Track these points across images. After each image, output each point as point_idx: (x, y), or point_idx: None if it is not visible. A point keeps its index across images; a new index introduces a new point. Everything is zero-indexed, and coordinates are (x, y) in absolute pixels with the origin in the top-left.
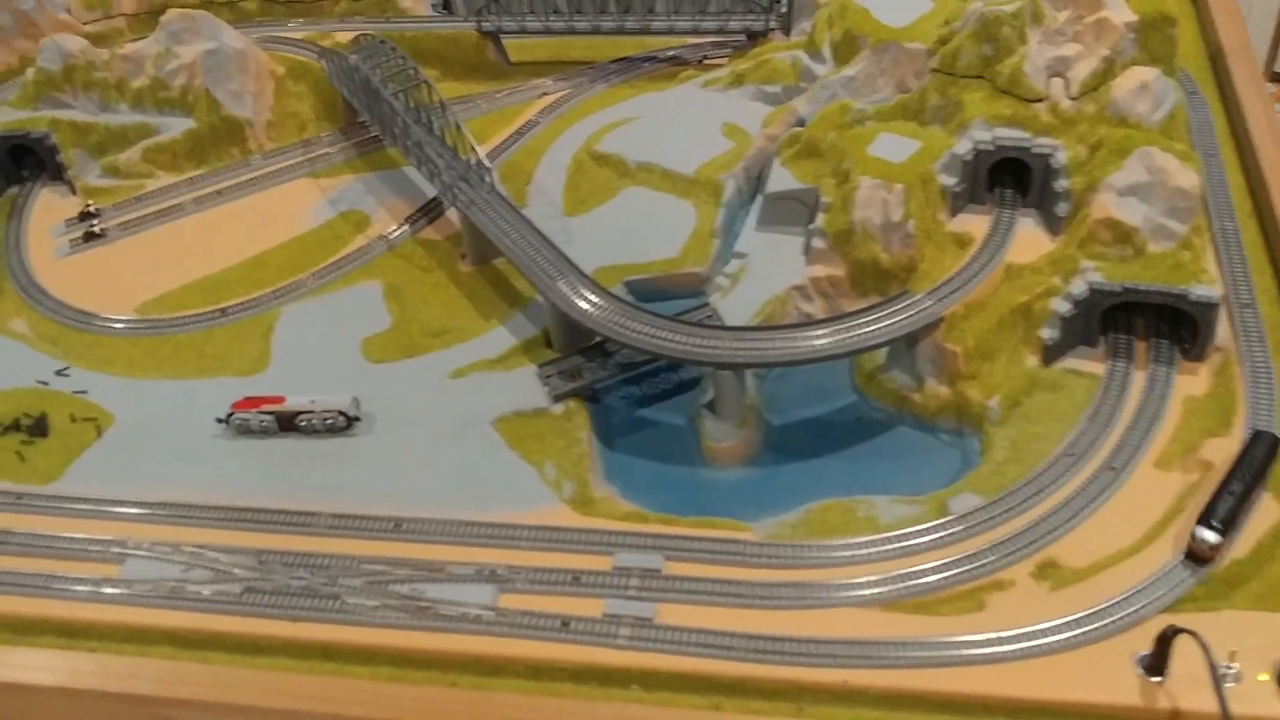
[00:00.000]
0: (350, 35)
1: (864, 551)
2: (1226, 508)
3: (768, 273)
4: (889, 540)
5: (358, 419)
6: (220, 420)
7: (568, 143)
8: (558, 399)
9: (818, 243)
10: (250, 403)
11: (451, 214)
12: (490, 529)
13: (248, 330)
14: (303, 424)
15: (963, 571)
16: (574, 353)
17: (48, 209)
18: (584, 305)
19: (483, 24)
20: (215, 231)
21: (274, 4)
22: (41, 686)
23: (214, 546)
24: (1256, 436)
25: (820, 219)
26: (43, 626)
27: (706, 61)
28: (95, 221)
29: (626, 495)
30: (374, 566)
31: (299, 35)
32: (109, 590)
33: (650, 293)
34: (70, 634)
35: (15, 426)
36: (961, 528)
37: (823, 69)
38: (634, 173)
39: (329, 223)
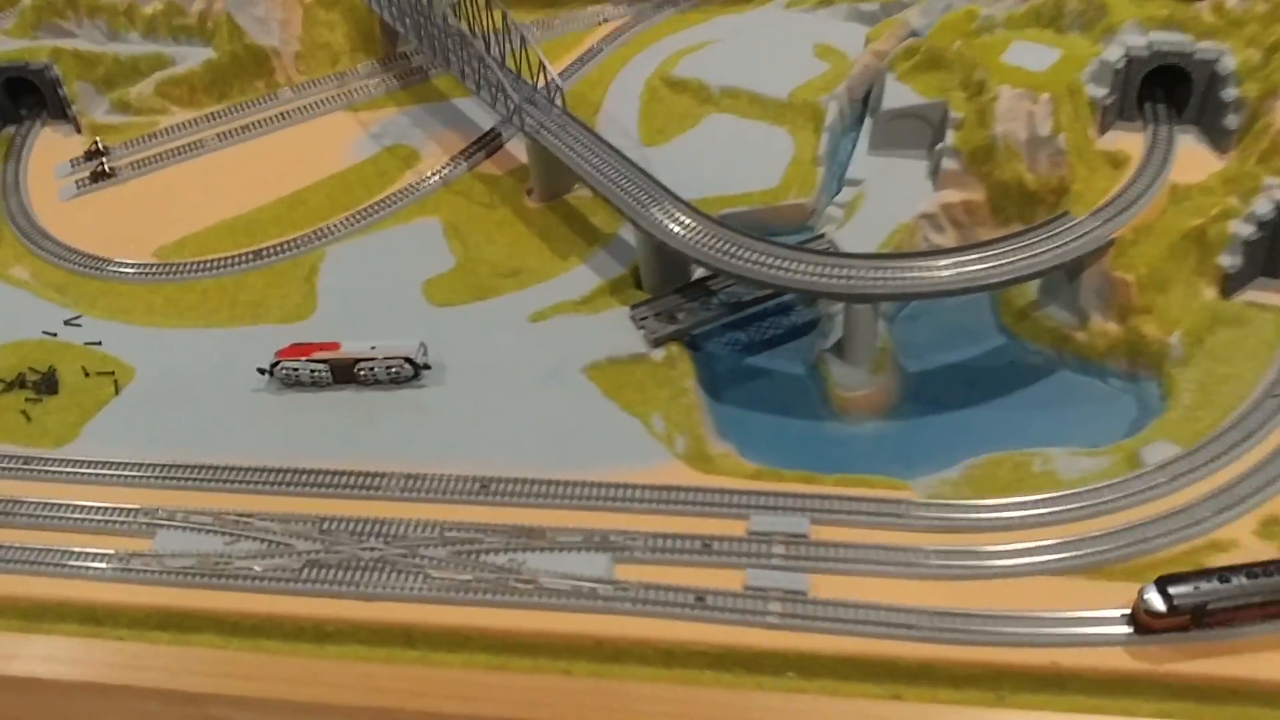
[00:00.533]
0: None
1: (1048, 510)
2: None
3: (888, 201)
4: (1076, 497)
5: (426, 367)
6: (263, 371)
7: (637, 70)
8: (657, 343)
9: (949, 164)
10: (298, 350)
11: (512, 147)
12: (596, 490)
13: (287, 274)
14: (362, 374)
15: (1175, 532)
16: (670, 292)
17: (49, 149)
18: (685, 234)
19: None
20: (242, 170)
21: None
22: (62, 681)
23: (264, 515)
24: None
25: (951, 137)
26: (61, 611)
27: None
28: (104, 160)
29: (745, 452)
30: (461, 534)
31: None
32: (138, 567)
33: (749, 228)
34: (94, 619)
35: (20, 383)
36: (1165, 480)
37: None
38: (717, 98)
39: (373, 158)
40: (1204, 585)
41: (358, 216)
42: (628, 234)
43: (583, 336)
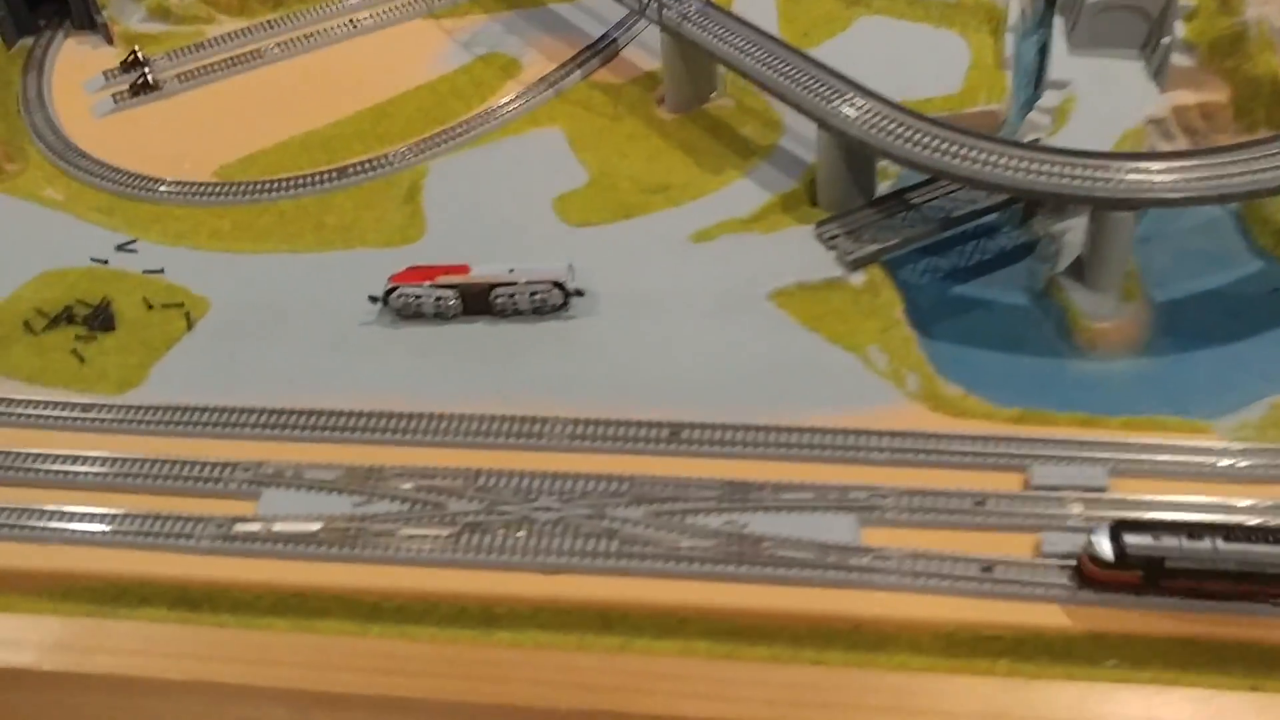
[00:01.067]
0: None
1: None
2: None
3: (1105, 105)
4: None
5: (579, 293)
6: (375, 299)
7: None
8: (855, 265)
9: (1180, 60)
10: (418, 273)
11: (630, 54)
12: (822, 437)
13: (380, 193)
14: (500, 302)
15: None
16: (861, 207)
17: (75, 62)
18: (892, 133)
19: None
20: (311, 82)
21: None
22: (155, 679)
23: (398, 469)
24: None
25: (1181, 28)
26: (144, 591)
27: None
28: (146, 71)
29: (976, 393)
30: (657, 490)
31: None
32: (242, 534)
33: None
34: (188, 601)
35: (68, 317)
36: None
37: None
38: None
39: (466, 68)
40: (1167, 539)
41: (460, 129)
42: (791, 144)
43: (760, 259)
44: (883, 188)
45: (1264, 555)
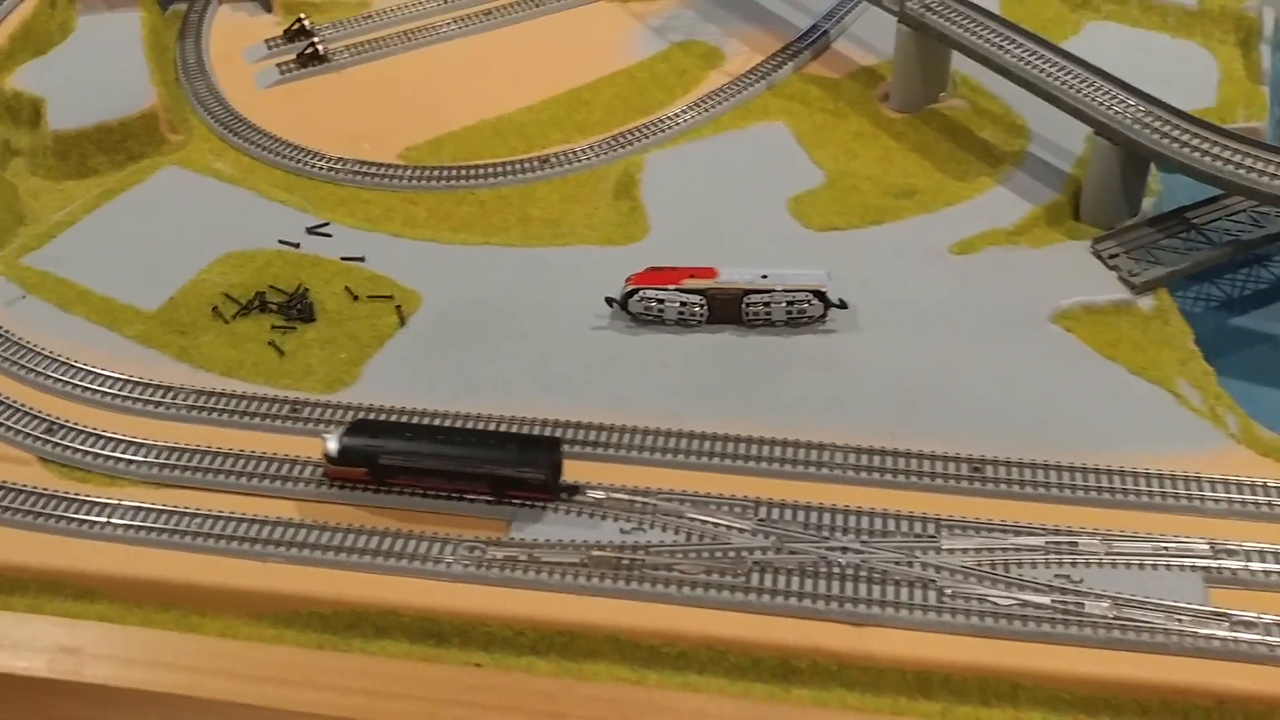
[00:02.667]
0: None
1: None
2: None
3: None
4: None
5: (842, 305)
6: (612, 302)
7: None
8: (1143, 288)
9: None
10: (660, 275)
11: (842, 46)
12: (1153, 483)
13: (588, 185)
14: (752, 310)
15: None
16: (1141, 224)
17: (232, 29)
18: (1182, 146)
19: None
20: (495, 63)
21: None
22: None
23: (665, 494)
24: None
25: None
26: (381, 620)
27: None
28: (314, 41)
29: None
30: (967, 535)
31: None
32: (496, 558)
33: None
34: (434, 634)
35: (260, 305)
36: None
37: None
38: (1097, 3)
39: (664, 54)
40: (383, 438)
41: (669, 120)
42: (1042, 151)
43: (1034, 276)
44: (1146, 204)
45: (460, 455)
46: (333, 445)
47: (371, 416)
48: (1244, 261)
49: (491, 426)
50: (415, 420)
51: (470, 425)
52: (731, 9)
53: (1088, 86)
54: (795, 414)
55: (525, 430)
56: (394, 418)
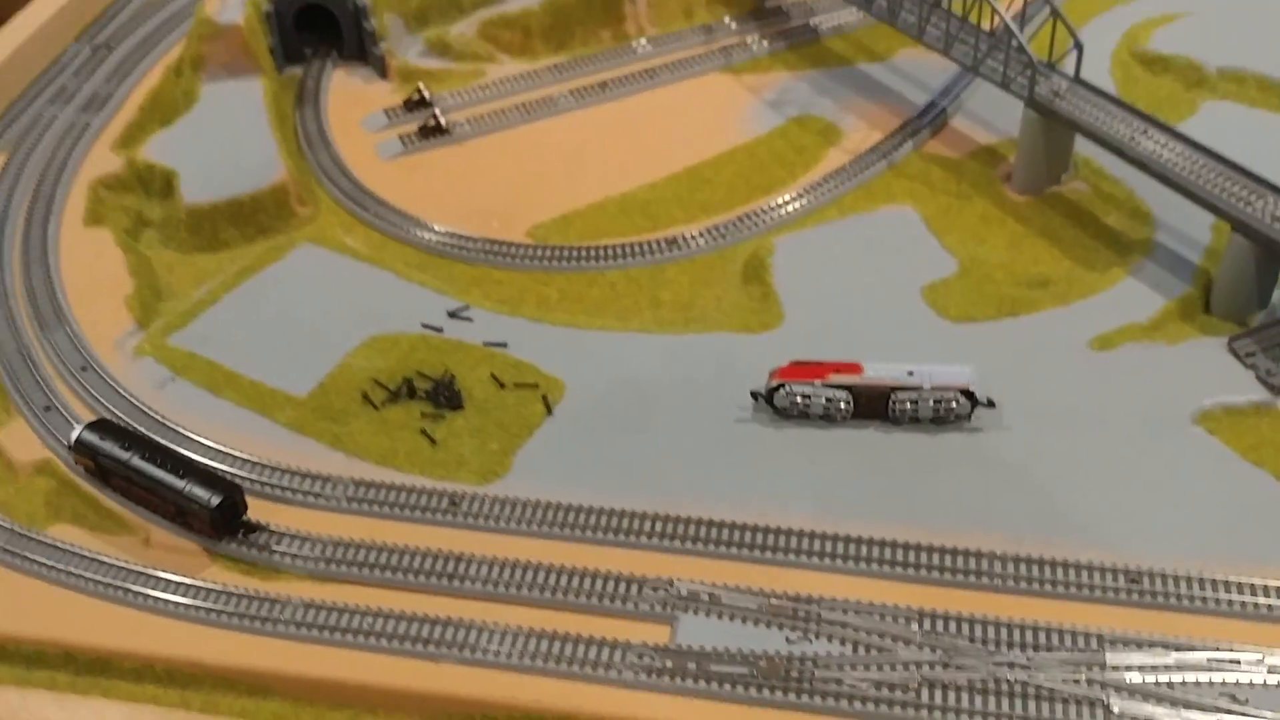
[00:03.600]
0: None
1: None
2: None
3: None
4: None
5: (990, 404)
6: (757, 396)
7: (1093, 40)
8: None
9: None
10: (803, 370)
11: (960, 124)
12: None
13: (716, 268)
14: (898, 408)
15: None
16: (1275, 322)
17: (348, 96)
18: None
19: None
20: (612, 136)
21: None
22: None
23: (827, 603)
24: None
25: None
26: None
27: None
28: (435, 112)
29: None
30: (1137, 655)
31: None
32: (663, 667)
33: None
34: None
35: (409, 391)
36: None
37: None
38: (1213, 82)
39: (781, 130)
40: (108, 442)
41: (792, 200)
42: (1169, 240)
43: (1173, 374)
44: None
45: (150, 476)
46: (74, 435)
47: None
48: None
49: (645, 524)
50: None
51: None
52: (845, 83)
53: (1224, 180)
54: (948, 516)
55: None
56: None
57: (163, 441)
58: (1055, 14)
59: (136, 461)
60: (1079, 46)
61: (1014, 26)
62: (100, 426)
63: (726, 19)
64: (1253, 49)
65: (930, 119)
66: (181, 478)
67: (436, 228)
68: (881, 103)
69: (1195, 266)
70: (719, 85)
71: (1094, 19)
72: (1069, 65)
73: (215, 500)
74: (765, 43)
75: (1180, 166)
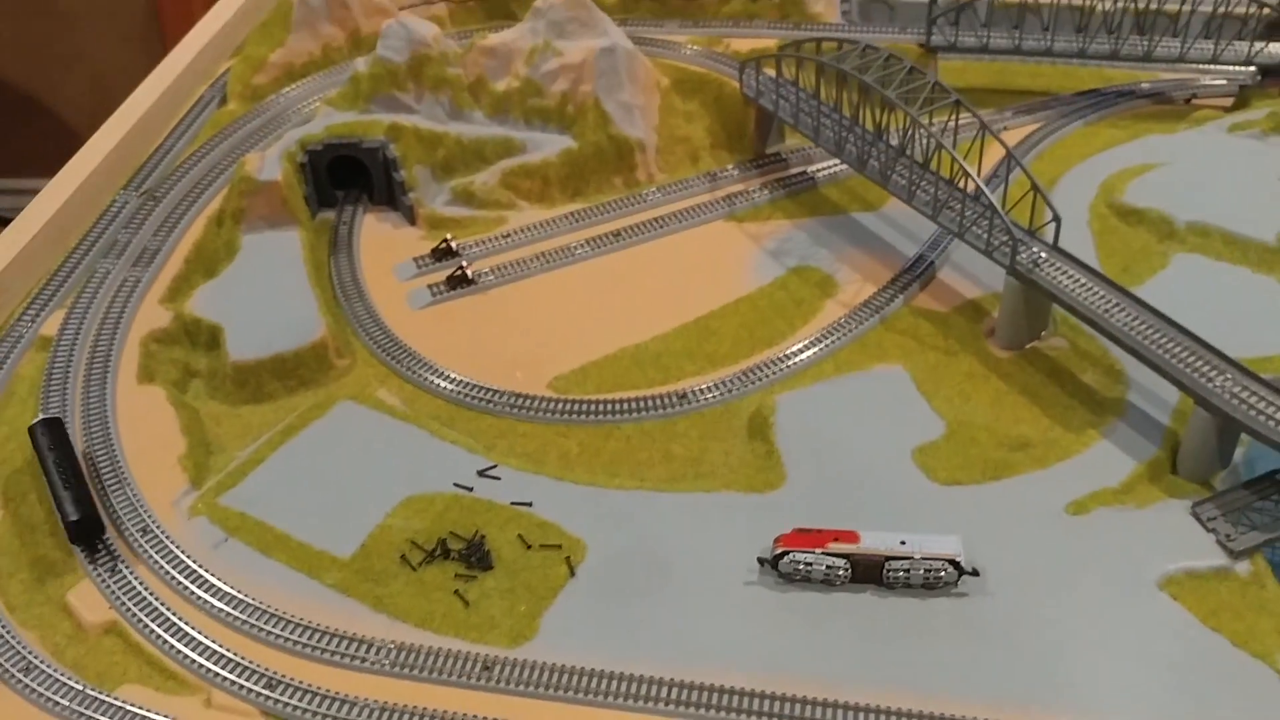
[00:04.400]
0: (749, 44)
1: None
2: None
3: None
4: None
5: (974, 573)
6: (764, 562)
7: (1072, 191)
8: (1240, 555)
9: None
10: (805, 538)
11: (947, 276)
12: None
13: (723, 423)
14: (892, 575)
15: None
16: (1237, 487)
17: (379, 242)
18: (1275, 423)
19: (933, 37)
20: (626, 285)
21: None
22: None
23: None
24: None
25: None
26: None
27: (1196, 101)
28: (462, 262)
29: None
30: None
31: (682, 39)
32: None
33: None
34: None
35: (444, 552)
36: None
37: None
38: (1182, 235)
39: (781, 280)
40: (47, 436)
41: (792, 355)
42: (1140, 400)
43: (1140, 538)
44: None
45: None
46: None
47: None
48: None
49: (659, 690)
50: None
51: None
52: (840, 232)
53: (1189, 355)
54: (938, 682)
55: None
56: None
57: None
58: (1035, 188)
59: (49, 463)
60: (1057, 220)
61: (996, 203)
62: (48, 425)
63: (730, 166)
64: (1212, 206)
65: (920, 272)
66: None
67: (465, 380)
68: (874, 253)
69: (1165, 428)
70: (723, 234)
71: (1074, 167)
72: (1050, 229)
73: (74, 516)
74: (765, 190)
75: (1149, 340)
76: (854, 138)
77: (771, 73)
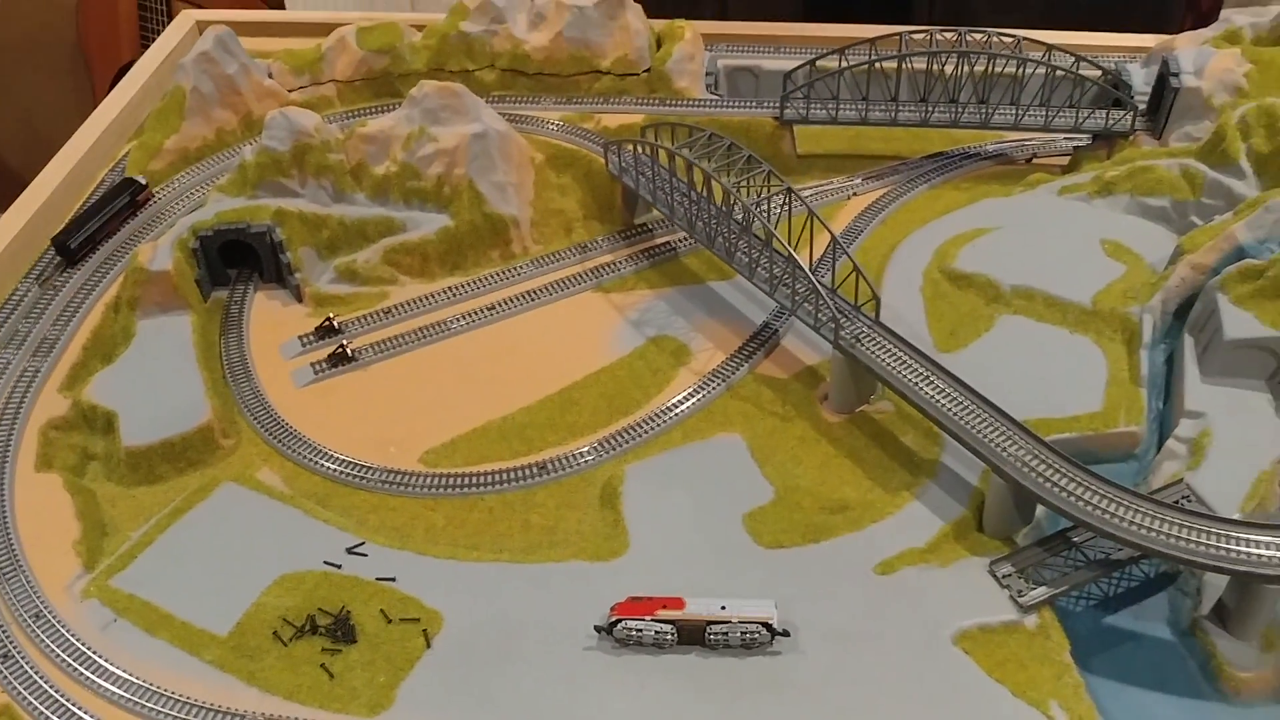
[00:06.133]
0: (619, 120)
1: None
2: None
3: (1240, 442)
4: None
5: (785, 634)
6: (600, 629)
7: (910, 256)
8: (1028, 609)
9: None
10: (639, 606)
11: (790, 344)
12: None
13: (579, 492)
14: (714, 638)
15: None
16: (1031, 545)
17: (268, 320)
18: (1059, 489)
19: (785, 111)
20: (497, 358)
21: (519, 76)
22: None
23: None
24: None
25: None
26: None
27: (1036, 161)
28: (343, 341)
29: None
30: None
31: (555, 116)
32: None
33: (1071, 456)
34: None
35: (312, 628)
36: None
37: (1241, 185)
38: (1008, 298)
39: (641, 351)
40: None
41: (643, 426)
42: (953, 461)
43: (941, 596)
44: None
45: None
46: None
47: None
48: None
49: None
50: None
51: None
52: (697, 301)
53: (985, 426)
54: None
55: None
56: None
57: None
58: (857, 271)
59: None
60: (877, 299)
61: (819, 286)
62: None
63: (600, 237)
64: (1037, 270)
65: (764, 341)
66: None
67: (340, 457)
68: (726, 322)
69: (973, 488)
70: (591, 305)
71: (914, 233)
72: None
73: None
74: (631, 261)
75: (951, 411)
76: (703, 216)
77: (634, 150)
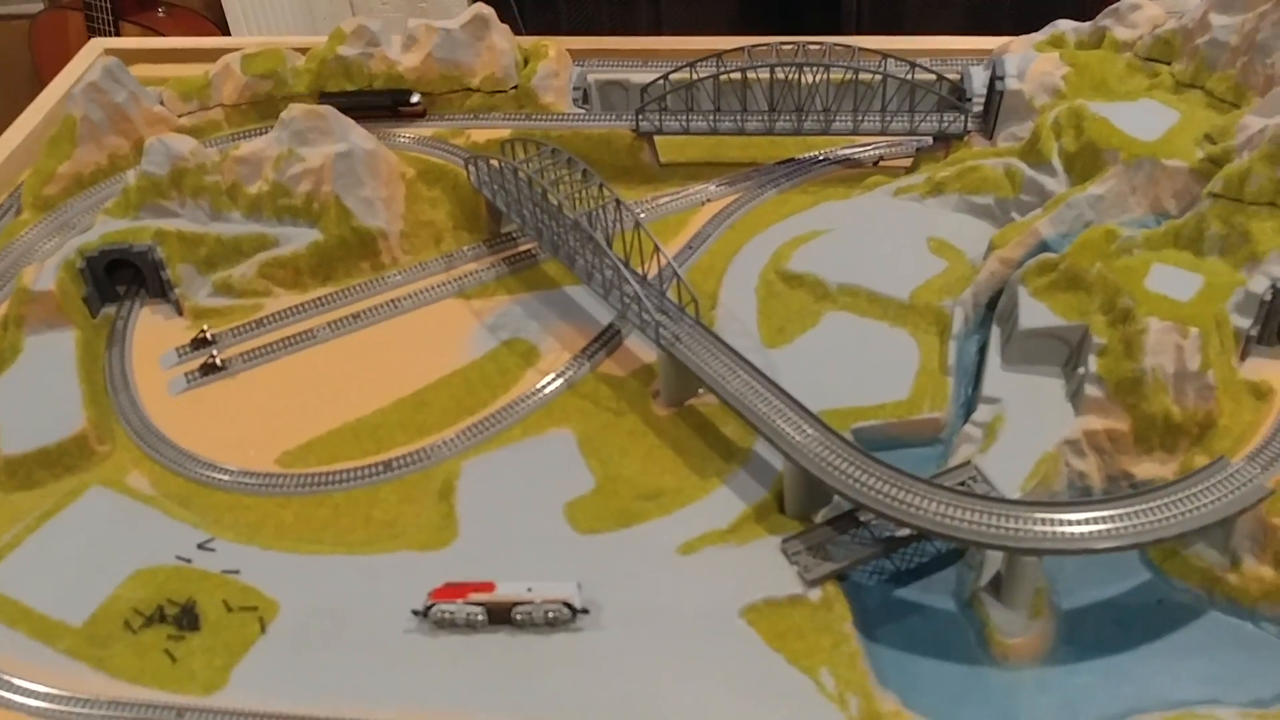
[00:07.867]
0: (486, 135)
1: None
2: None
3: (1029, 424)
4: None
5: (585, 611)
6: (417, 613)
7: (749, 259)
8: (813, 583)
9: (1092, 390)
10: (453, 591)
11: (632, 344)
12: None
13: (419, 488)
14: (520, 618)
15: None
16: (821, 524)
17: (151, 333)
18: (840, 473)
19: (641, 123)
20: (358, 364)
21: None
22: None
23: None
24: None
25: (1094, 363)
26: None
27: (883, 163)
28: (214, 351)
29: (909, 701)
30: None
31: (427, 132)
32: None
33: (879, 441)
34: None
35: (160, 617)
36: None
37: (1053, 183)
38: (834, 295)
39: (493, 354)
40: None
41: (486, 424)
42: (764, 450)
43: (735, 573)
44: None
45: None
46: None
47: None
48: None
49: None
50: None
51: None
52: (551, 305)
53: (777, 416)
54: (555, 710)
55: None
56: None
57: None
58: (677, 277)
59: None
60: (696, 301)
61: (640, 292)
62: None
63: (467, 247)
64: (863, 268)
65: (607, 341)
66: None
67: (203, 459)
68: (575, 324)
69: (777, 473)
70: (451, 311)
71: (757, 236)
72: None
73: None
74: (493, 268)
75: (749, 403)
76: (550, 226)
77: (494, 162)
